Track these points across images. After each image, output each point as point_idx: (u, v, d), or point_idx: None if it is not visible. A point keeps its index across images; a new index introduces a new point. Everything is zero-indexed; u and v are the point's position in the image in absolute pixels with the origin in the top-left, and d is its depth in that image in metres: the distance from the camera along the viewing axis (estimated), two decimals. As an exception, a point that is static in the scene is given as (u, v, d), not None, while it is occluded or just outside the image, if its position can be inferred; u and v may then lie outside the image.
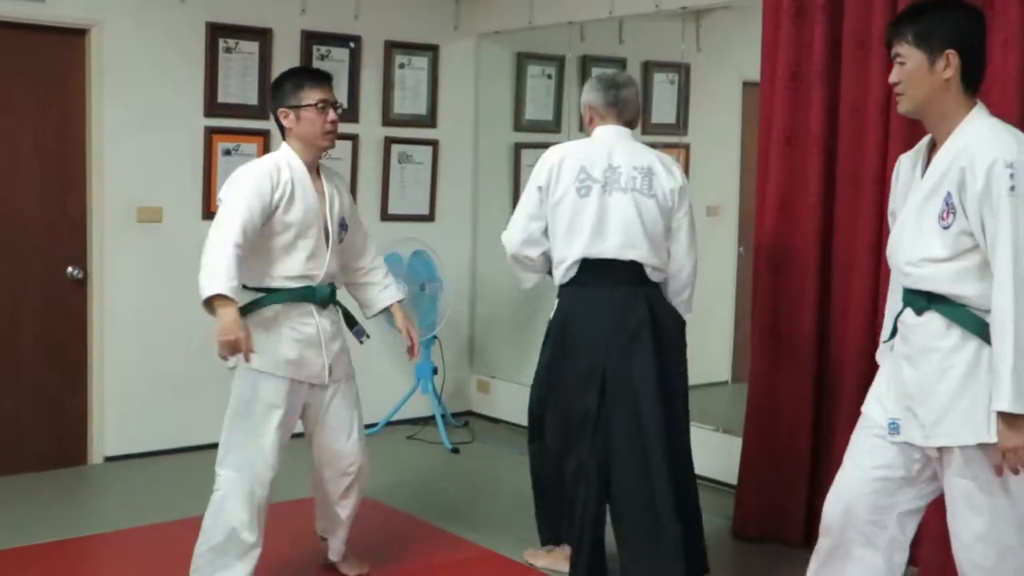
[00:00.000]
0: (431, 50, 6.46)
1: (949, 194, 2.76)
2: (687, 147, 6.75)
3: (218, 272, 3.43)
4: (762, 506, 4.63)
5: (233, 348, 3.41)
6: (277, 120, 3.82)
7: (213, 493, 3.73)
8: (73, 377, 5.49)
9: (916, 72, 2.81)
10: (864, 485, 2.97)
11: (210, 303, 3.42)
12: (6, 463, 5.29)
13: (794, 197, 4.52)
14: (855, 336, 4.27)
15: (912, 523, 3.01)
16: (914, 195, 2.89)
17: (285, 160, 3.75)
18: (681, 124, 6.98)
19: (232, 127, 5.76)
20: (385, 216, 6.33)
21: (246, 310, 3.58)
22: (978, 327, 2.75)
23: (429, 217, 6.51)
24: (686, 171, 6.73)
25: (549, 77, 6.77)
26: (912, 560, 4.19)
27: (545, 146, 4.23)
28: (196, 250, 5.43)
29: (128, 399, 5.58)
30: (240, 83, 5.77)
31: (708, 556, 4.04)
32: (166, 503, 4.95)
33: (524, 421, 4.23)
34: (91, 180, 5.44)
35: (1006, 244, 2.65)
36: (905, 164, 3.01)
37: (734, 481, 4.82)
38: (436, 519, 4.84)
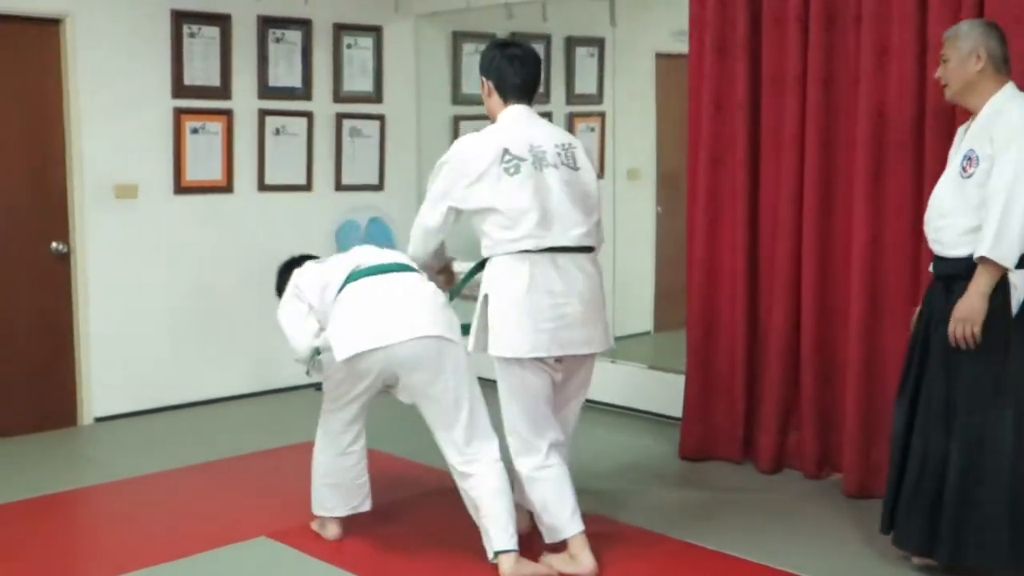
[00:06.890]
0: (375, 31, 6.93)
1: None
2: (603, 115, 7.35)
3: None
4: (704, 432, 5.19)
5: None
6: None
7: None
8: (61, 344, 5.87)
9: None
10: None
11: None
12: (1, 426, 5.65)
13: (723, 157, 5.08)
14: (781, 273, 4.89)
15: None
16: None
17: None
18: (600, 94, 7.59)
19: (198, 107, 6.18)
20: (339, 187, 6.82)
21: None
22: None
23: (379, 187, 7.01)
24: (604, 136, 7.35)
25: (482, 54, 7.27)
26: (836, 467, 4.88)
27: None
28: (169, 222, 5.99)
29: (112, 363, 5.98)
30: (203, 65, 6.18)
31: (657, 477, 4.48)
32: (156, 454, 5.39)
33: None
34: (70, 160, 5.80)
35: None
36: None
37: (674, 413, 5.40)
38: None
